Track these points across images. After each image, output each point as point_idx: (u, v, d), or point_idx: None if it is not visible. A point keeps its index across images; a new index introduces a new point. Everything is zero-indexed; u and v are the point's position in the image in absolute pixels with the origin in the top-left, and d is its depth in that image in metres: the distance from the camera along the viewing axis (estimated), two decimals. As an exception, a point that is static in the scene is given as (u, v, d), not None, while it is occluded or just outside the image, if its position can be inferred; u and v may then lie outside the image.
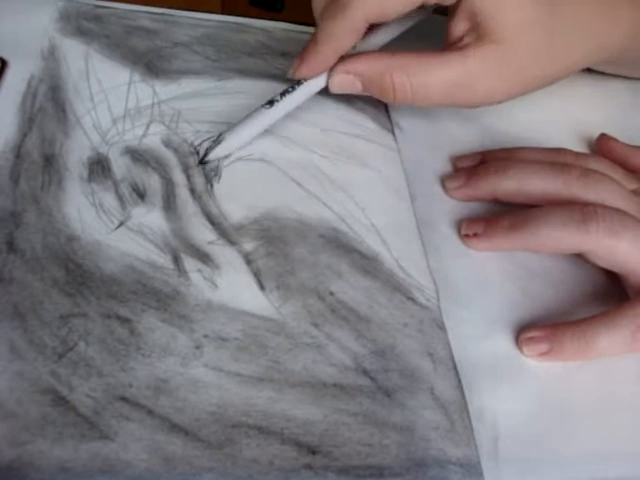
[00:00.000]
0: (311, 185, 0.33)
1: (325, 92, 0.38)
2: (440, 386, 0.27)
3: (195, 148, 0.33)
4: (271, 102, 0.33)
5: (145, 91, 0.35)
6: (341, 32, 0.31)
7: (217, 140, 0.33)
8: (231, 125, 0.33)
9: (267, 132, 0.35)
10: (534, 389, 0.27)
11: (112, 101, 0.34)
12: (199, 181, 0.32)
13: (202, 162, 0.33)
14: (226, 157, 0.33)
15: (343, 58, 0.32)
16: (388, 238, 0.31)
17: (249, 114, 0.33)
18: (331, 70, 0.32)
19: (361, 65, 0.32)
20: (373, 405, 0.26)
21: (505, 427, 0.26)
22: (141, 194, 0.30)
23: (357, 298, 0.29)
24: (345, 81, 0.32)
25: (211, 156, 0.33)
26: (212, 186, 0.32)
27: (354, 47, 0.32)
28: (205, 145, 0.33)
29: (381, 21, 0.31)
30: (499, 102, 0.33)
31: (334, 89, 0.33)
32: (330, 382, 0.26)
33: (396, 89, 0.31)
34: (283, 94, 0.33)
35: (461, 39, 0.32)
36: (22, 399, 0.23)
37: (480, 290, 0.30)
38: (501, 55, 0.31)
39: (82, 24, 0.38)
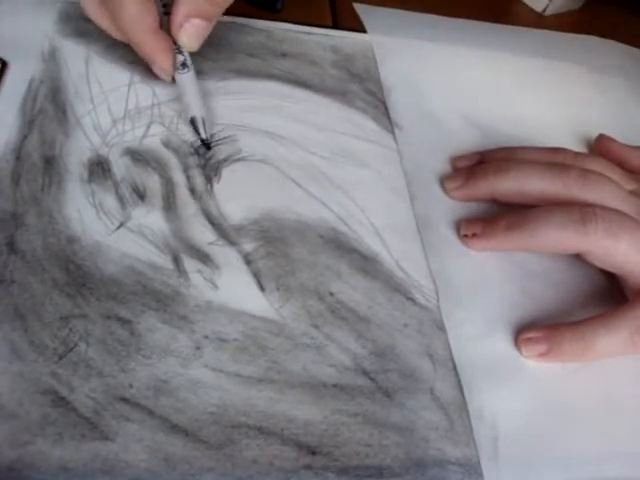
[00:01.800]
0: (311, 185, 0.33)
1: (325, 93, 0.38)
2: (440, 386, 0.27)
3: (196, 149, 0.33)
4: (183, 64, 0.32)
5: (145, 92, 0.35)
6: (139, 16, 0.29)
7: (196, 126, 0.33)
8: (186, 107, 0.33)
9: (267, 133, 0.35)
10: (534, 389, 0.27)
11: (112, 102, 0.34)
12: (199, 181, 0.32)
13: (209, 148, 0.33)
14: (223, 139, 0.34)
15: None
16: (388, 238, 0.32)
17: (182, 90, 0.33)
18: (174, 32, 0.31)
19: (183, 6, 0.30)
20: (373, 405, 0.26)
21: (505, 427, 0.26)
22: (141, 195, 0.31)
23: (357, 299, 0.29)
24: (190, 30, 0.30)
25: (207, 136, 0.33)
26: (212, 187, 0.32)
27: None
28: (197, 142, 0.33)
29: None
30: None
31: (191, 44, 0.31)
32: (330, 383, 0.26)
33: None
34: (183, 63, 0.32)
35: None
36: (23, 400, 0.23)
37: (480, 290, 0.30)
38: None
39: (82, 25, 0.38)
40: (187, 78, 0.33)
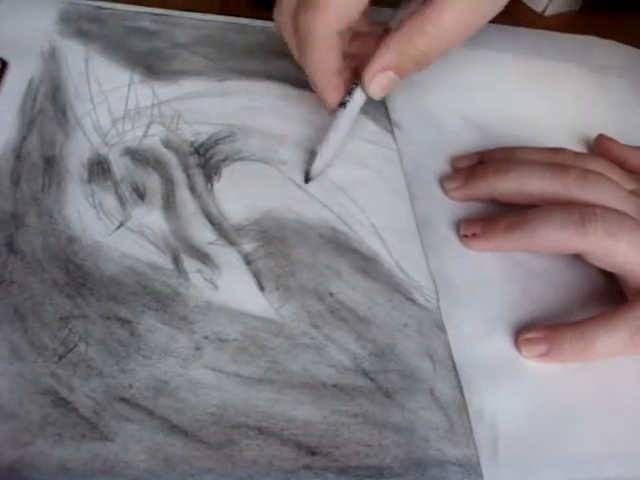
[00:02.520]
0: (311, 186, 0.33)
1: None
2: (440, 387, 0.27)
3: (196, 149, 0.33)
4: (343, 104, 0.32)
5: (145, 92, 0.35)
6: (321, 57, 0.31)
7: (312, 156, 0.33)
8: (322, 139, 0.33)
9: (267, 133, 0.35)
10: (534, 390, 0.27)
11: (112, 102, 0.34)
12: (199, 181, 0.32)
13: (307, 181, 0.33)
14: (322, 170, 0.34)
15: (365, 62, 0.31)
16: (388, 239, 0.32)
17: (332, 125, 0.33)
18: (362, 81, 0.31)
19: (381, 59, 0.30)
20: (373, 406, 0.26)
21: (504, 427, 0.26)
22: (141, 194, 0.31)
23: (357, 299, 0.29)
24: (380, 82, 0.31)
25: (314, 172, 0.33)
26: (212, 186, 0.32)
27: None
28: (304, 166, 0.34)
29: (352, 20, 0.30)
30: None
31: (377, 94, 0.32)
32: (330, 383, 0.26)
33: (424, 51, 0.30)
34: (345, 101, 0.32)
35: None
36: (23, 400, 0.23)
37: (480, 290, 0.30)
38: None
39: (82, 25, 0.38)
40: (342, 116, 0.32)
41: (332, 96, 0.32)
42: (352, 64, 0.33)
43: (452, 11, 0.29)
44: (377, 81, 0.31)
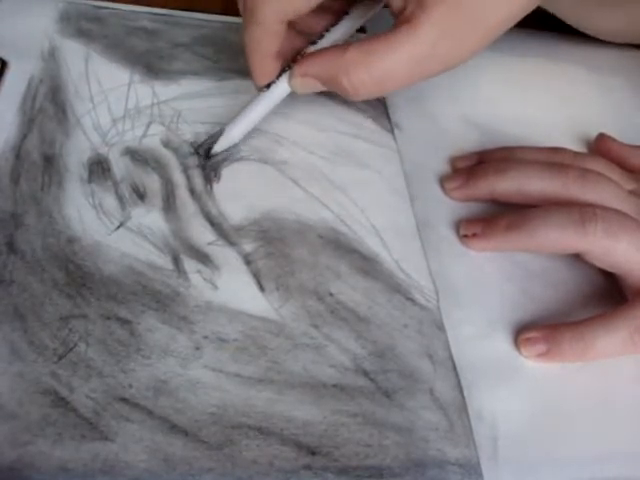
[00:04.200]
0: (311, 186, 0.33)
1: (325, 92, 0.38)
2: (439, 387, 0.27)
3: (195, 149, 0.33)
4: (268, 85, 0.32)
5: (145, 92, 0.35)
6: (260, 39, 0.30)
7: (217, 133, 0.33)
8: (230, 119, 0.33)
9: (267, 133, 0.35)
10: (534, 390, 0.27)
11: (112, 102, 0.34)
12: (199, 182, 0.32)
13: (208, 157, 0.33)
14: (233, 148, 0.33)
15: (302, 57, 0.31)
16: (388, 239, 0.32)
17: (245, 105, 0.33)
18: (290, 72, 0.31)
19: (315, 67, 0.30)
20: (372, 406, 0.26)
21: (504, 428, 0.26)
22: (141, 195, 0.31)
23: (357, 299, 0.29)
24: (306, 83, 0.31)
25: (216, 148, 0.33)
26: (212, 187, 0.32)
27: (320, 38, 0.32)
28: (208, 141, 0.33)
29: (298, 16, 0.30)
30: (466, 61, 0.30)
31: (298, 91, 0.32)
32: (330, 383, 0.26)
33: (356, 87, 0.29)
34: (272, 83, 0.32)
35: (404, 9, 0.28)
36: (23, 400, 0.23)
37: (479, 291, 0.30)
38: (449, 12, 0.28)
39: (82, 25, 0.38)
40: (261, 98, 0.32)
41: (260, 78, 0.32)
42: (297, 43, 0.32)
43: (403, 53, 0.28)
44: (303, 82, 0.31)
